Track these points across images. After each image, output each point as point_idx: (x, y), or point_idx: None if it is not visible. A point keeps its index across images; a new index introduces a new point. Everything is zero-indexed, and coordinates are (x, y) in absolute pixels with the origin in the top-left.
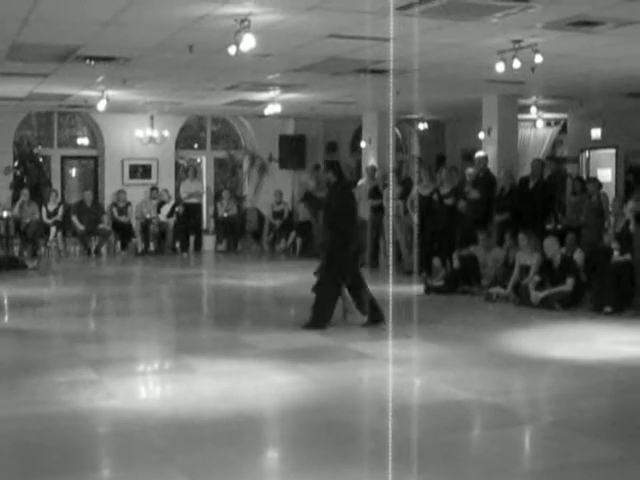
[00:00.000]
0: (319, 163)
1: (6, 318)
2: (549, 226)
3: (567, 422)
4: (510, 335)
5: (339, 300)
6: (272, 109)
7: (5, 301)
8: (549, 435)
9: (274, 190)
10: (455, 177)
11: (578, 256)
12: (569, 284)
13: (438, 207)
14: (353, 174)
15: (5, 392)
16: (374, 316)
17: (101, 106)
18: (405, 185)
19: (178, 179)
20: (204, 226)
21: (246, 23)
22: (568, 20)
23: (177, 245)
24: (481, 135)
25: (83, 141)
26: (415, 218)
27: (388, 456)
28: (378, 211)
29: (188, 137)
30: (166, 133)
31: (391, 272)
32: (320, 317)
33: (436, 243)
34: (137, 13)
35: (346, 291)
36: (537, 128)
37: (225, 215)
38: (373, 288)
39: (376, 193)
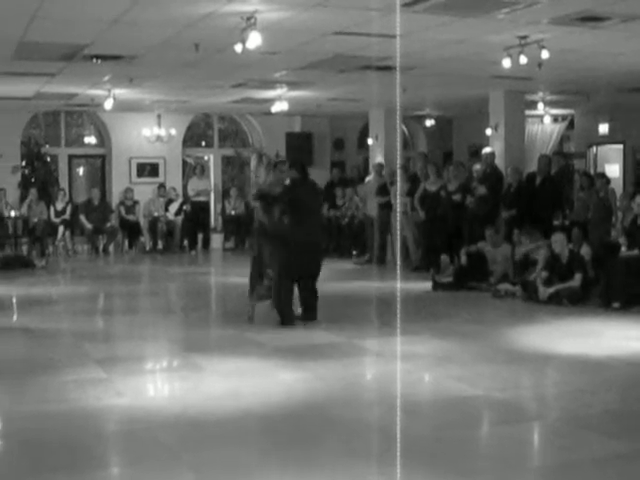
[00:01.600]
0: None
1: (15, 317)
2: (557, 222)
3: (575, 418)
4: (518, 331)
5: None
6: (279, 107)
7: (14, 300)
8: (557, 431)
9: None
10: (462, 173)
11: (585, 251)
12: (577, 280)
13: (446, 203)
14: (361, 171)
15: (14, 391)
16: (307, 315)
17: (108, 105)
18: (412, 182)
19: (185, 177)
20: (212, 224)
21: (252, 20)
22: (574, 15)
23: (185, 243)
24: (488, 131)
25: (90, 140)
26: (422, 215)
27: (397, 452)
28: (385, 208)
29: (195, 135)
30: (173, 131)
31: (399, 269)
32: (286, 316)
33: (444, 240)
34: (143, 11)
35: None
36: (544, 124)
37: (233, 213)
38: (381, 284)
39: (383, 190)
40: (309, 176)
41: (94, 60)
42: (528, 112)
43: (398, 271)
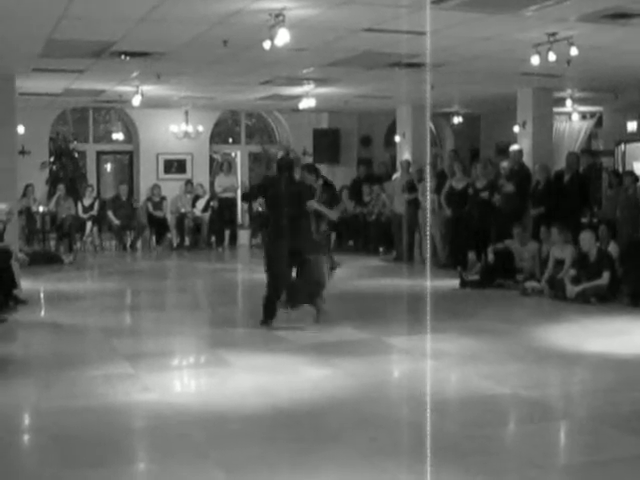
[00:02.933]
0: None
1: (43, 312)
2: (584, 220)
3: (602, 417)
4: (545, 329)
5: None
6: (306, 103)
7: (42, 295)
8: (584, 430)
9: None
10: (490, 171)
11: (613, 249)
12: (605, 278)
13: (473, 201)
14: (388, 168)
15: (43, 385)
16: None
17: (136, 101)
18: (439, 179)
19: (213, 174)
20: (239, 220)
21: (280, 18)
22: (603, 12)
23: (212, 239)
24: (516, 128)
25: (118, 136)
26: (448, 212)
27: (425, 450)
28: (412, 205)
29: (222, 132)
30: (200, 128)
31: (428, 266)
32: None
33: (471, 237)
34: (171, 9)
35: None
36: (572, 121)
37: (260, 209)
38: (409, 282)
39: (411, 187)
40: (285, 172)
41: (122, 57)
42: (556, 109)
43: (428, 268)
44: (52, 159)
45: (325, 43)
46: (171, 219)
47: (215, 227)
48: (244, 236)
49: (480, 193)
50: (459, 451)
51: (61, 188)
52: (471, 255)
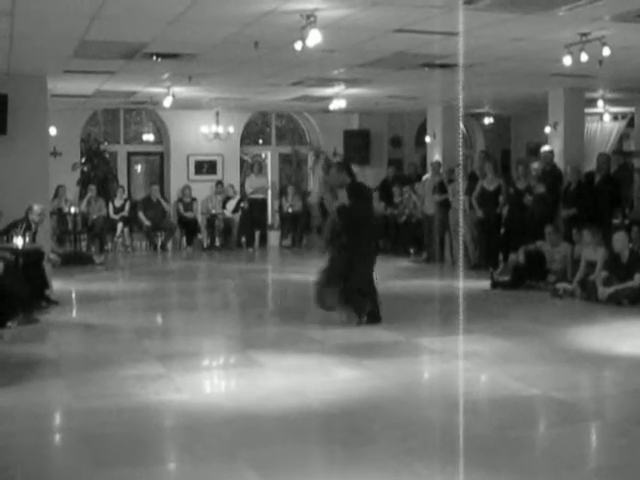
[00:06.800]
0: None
1: (75, 313)
2: (616, 221)
3: (634, 418)
4: (577, 331)
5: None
6: (337, 104)
7: (73, 296)
8: (616, 431)
9: None
10: (530, 173)
11: None
12: (637, 280)
13: (512, 201)
14: (418, 169)
15: (75, 385)
16: (371, 317)
17: (167, 102)
18: (470, 180)
19: (243, 175)
20: (269, 221)
21: (312, 19)
22: (637, 12)
23: (242, 240)
24: (547, 129)
25: (149, 137)
26: (480, 213)
27: (456, 451)
28: (443, 206)
29: (253, 133)
30: (231, 129)
31: (461, 267)
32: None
33: (503, 238)
34: (203, 10)
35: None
36: (604, 122)
37: (290, 210)
38: (440, 284)
39: (441, 188)
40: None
41: (154, 58)
42: (587, 110)
43: (460, 270)
44: (83, 160)
45: (356, 44)
46: (202, 220)
47: (245, 228)
48: (274, 237)
49: (526, 195)
50: (490, 452)
51: (92, 189)
52: (502, 256)
